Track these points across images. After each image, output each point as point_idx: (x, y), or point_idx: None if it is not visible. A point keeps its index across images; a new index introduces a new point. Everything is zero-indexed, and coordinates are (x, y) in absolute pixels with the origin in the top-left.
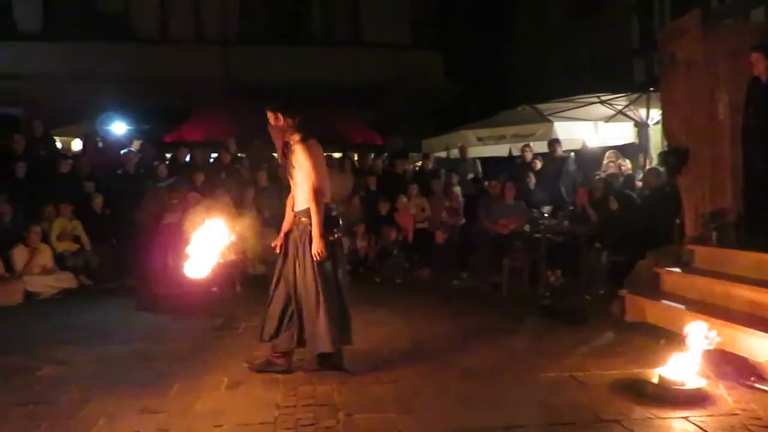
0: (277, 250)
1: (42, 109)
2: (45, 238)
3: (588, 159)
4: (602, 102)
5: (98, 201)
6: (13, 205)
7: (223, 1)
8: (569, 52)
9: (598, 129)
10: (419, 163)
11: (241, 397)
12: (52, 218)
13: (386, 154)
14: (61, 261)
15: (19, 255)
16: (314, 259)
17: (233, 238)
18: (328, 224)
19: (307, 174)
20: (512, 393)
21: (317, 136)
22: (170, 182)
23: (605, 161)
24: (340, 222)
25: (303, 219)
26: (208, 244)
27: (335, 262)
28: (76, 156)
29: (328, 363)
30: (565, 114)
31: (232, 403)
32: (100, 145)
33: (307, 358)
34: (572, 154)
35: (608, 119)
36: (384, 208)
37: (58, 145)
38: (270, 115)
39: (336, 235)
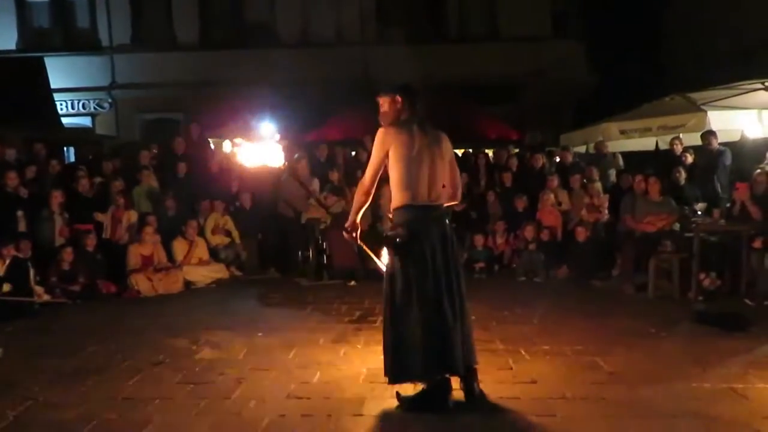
0: None
1: (198, 114)
2: (200, 232)
3: (747, 151)
4: (767, 88)
5: (246, 197)
6: (176, 200)
7: (361, 4)
8: (734, 36)
9: (761, 118)
10: (557, 159)
11: (381, 389)
12: (207, 214)
13: (517, 150)
14: (214, 253)
15: (179, 247)
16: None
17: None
18: (398, 234)
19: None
20: (663, 402)
21: (414, 124)
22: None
23: None
24: (431, 231)
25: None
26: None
27: (404, 278)
28: (225, 156)
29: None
30: (722, 103)
31: (372, 394)
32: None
33: None
34: (727, 149)
35: None
36: (520, 204)
37: (212, 146)
38: (380, 100)
39: (398, 242)
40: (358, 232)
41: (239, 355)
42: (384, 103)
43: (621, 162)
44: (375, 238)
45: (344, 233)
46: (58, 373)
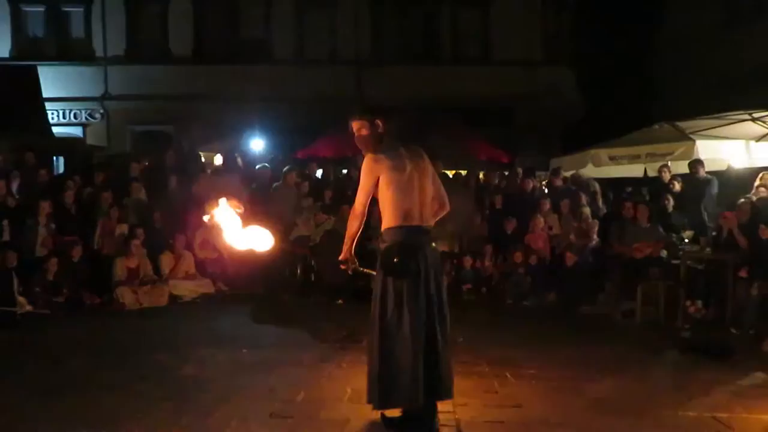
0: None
1: (190, 127)
2: (188, 246)
3: (734, 181)
4: (754, 119)
5: None
6: (164, 213)
7: (356, 23)
8: (724, 66)
9: (749, 149)
10: (545, 182)
11: (365, 409)
12: (196, 227)
13: (508, 172)
14: (200, 267)
15: (166, 260)
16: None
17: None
18: (394, 255)
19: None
20: (648, 430)
21: (400, 148)
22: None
23: (756, 183)
24: (421, 259)
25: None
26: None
27: (396, 300)
28: (215, 170)
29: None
30: (710, 132)
31: (356, 414)
32: (239, 161)
33: None
34: (714, 177)
35: (760, 138)
36: (509, 226)
37: (203, 160)
38: (355, 125)
39: (395, 263)
40: (356, 261)
41: (222, 371)
42: (362, 127)
43: (597, 187)
44: (366, 256)
45: (341, 266)
46: (37, 386)
